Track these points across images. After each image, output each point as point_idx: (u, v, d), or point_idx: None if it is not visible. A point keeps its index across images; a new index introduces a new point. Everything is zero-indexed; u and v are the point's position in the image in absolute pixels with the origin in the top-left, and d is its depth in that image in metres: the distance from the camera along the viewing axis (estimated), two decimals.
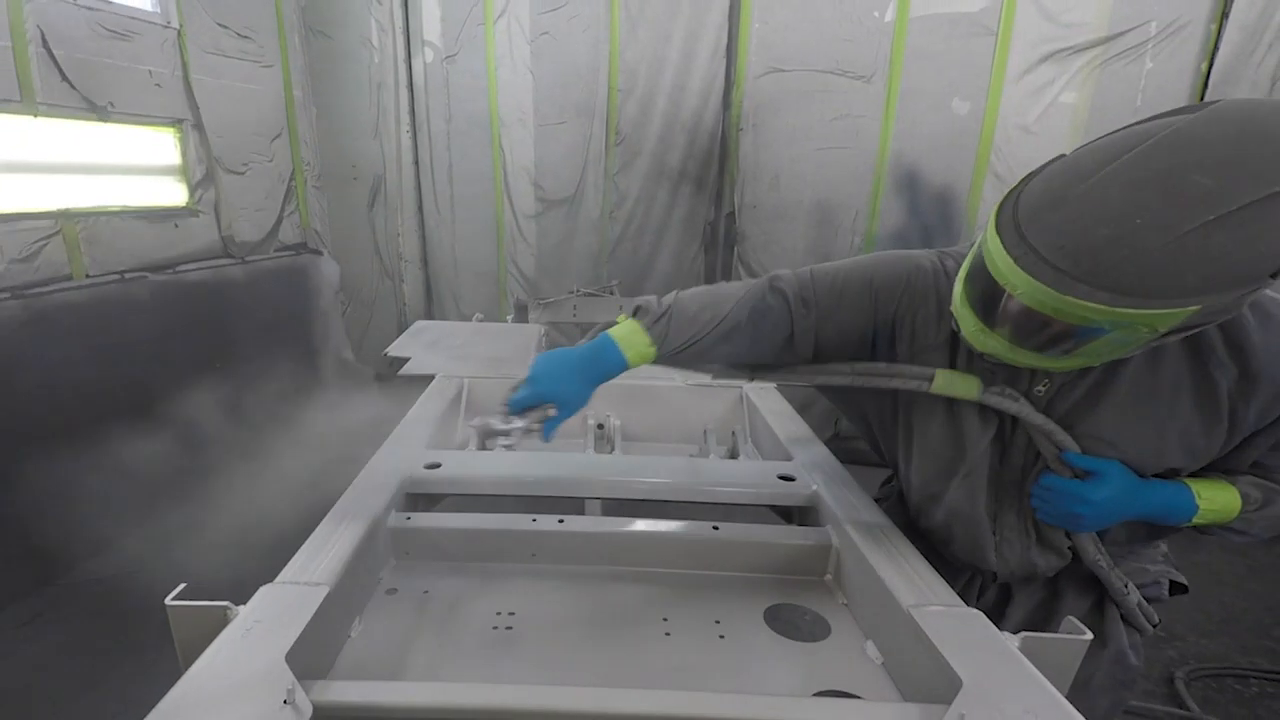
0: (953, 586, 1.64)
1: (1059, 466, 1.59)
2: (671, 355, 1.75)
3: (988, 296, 1.39)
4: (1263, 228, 1.15)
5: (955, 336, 1.58)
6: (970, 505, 1.74)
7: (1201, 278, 1.17)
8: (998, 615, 1.85)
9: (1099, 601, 1.81)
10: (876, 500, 2.05)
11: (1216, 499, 1.56)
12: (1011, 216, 1.29)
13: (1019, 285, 1.27)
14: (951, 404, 1.67)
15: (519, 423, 1.67)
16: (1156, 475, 1.59)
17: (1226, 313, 1.26)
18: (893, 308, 1.69)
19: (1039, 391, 1.57)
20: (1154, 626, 1.79)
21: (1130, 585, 1.73)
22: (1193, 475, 1.60)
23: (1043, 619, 1.81)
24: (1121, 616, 1.79)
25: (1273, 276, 1.20)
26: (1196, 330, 1.29)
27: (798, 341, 1.75)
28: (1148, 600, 1.79)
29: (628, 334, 1.73)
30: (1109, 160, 1.23)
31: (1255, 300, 1.33)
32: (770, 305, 1.73)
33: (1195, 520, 1.57)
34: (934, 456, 1.77)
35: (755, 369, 1.85)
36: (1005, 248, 1.27)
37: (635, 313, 1.76)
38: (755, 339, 1.75)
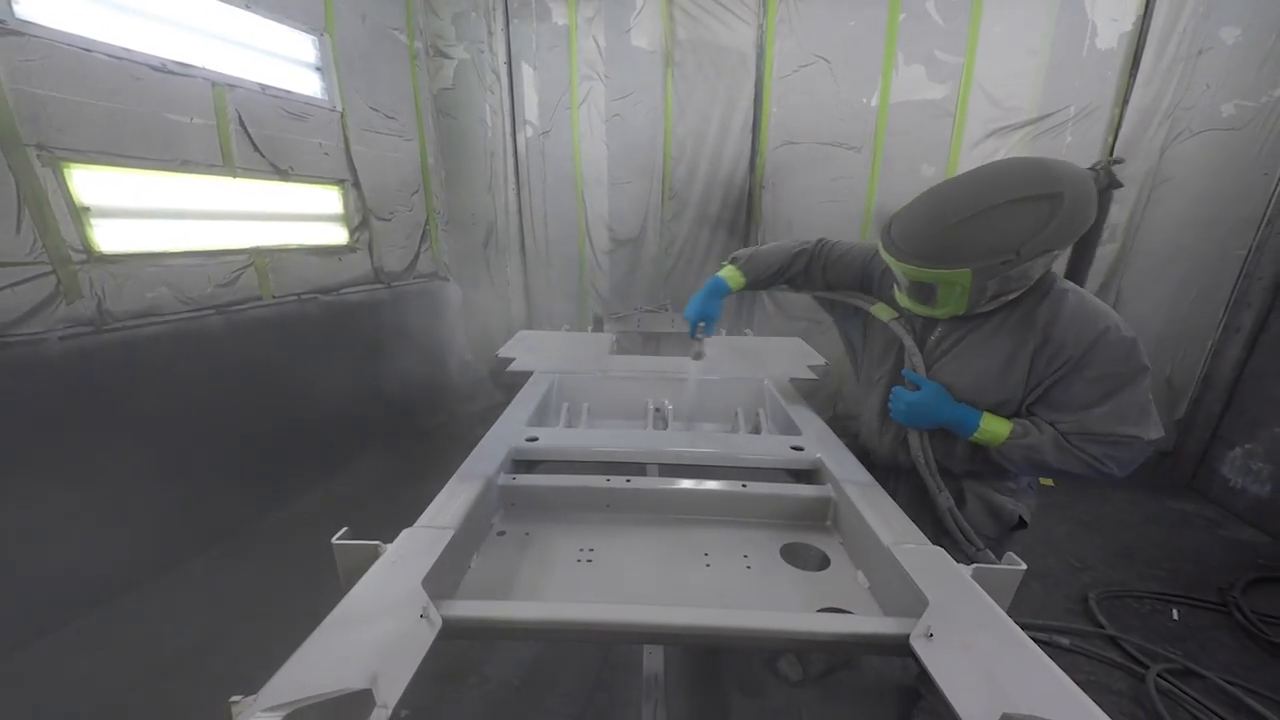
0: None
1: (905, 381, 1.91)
2: (753, 281, 2.30)
3: (895, 277, 1.85)
4: (994, 223, 1.52)
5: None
6: (874, 402, 2.10)
7: (965, 252, 1.56)
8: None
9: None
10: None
11: (993, 427, 1.75)
12: (888, 227, 1.74)
13: (890, 264, 1.72)
14: (887, 334, 2.02)
15: (699, 336, 2.36)
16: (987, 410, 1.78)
17: (994, 274, 1.57)
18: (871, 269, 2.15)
19: (933, 338, 1.89)
20: (974, 548, 1.86)
21: (948, 495, 1.89)
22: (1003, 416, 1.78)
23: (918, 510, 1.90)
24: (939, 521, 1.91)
25: (1018, 254, 1.51)
26: (998, 290, 1.64)
27: (812, 271, 2.25)
28: (1000, 513, 1.93)
29: (727, 272, 2.32)
30: (930, 192, 1.68)
31: (1061, 286, 1.69)
32: (807, 249, 2.25)
33: (975, 437, 1.77)
34: (869, 365, 2.15)
35: (802, 288, 2.33)
36: (882, 244, 1.74)
37: (732, 260, 2.34)
38: (795, 267, 2.26)
